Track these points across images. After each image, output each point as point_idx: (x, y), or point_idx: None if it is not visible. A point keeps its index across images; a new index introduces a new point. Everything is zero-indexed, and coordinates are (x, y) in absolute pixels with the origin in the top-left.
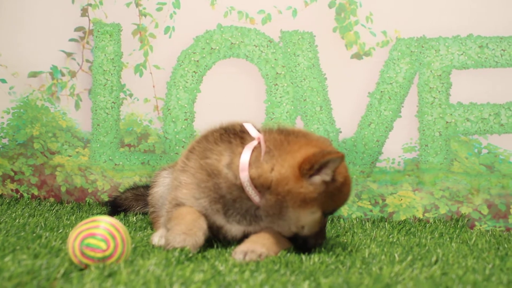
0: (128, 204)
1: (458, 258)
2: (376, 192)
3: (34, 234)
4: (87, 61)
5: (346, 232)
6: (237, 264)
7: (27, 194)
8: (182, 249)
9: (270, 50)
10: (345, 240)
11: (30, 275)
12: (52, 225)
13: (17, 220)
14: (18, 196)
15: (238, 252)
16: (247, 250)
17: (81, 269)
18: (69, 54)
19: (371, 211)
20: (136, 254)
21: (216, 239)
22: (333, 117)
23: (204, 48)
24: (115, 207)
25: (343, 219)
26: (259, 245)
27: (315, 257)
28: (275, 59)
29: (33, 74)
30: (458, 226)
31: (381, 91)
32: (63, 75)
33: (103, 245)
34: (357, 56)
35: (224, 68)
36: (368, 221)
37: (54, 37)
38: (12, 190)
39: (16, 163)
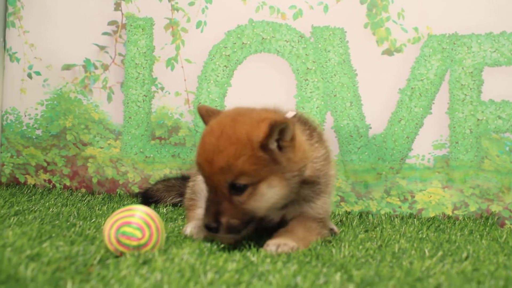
0: (160, 195)
1: (489, 255)
2: (405, 188)
3: (68, 223)
4: (120, 54)
5: (375, 227)
6: (269, 255)
7: (59, 184)
8: (214, 240)
9: (301, 45)
10: (374, 235)
11: (68, 260)
12: (85, 214)
13: (50, 209)
14: (51, 186)
15: (271, 245)
16: (279, 243)
17: (117, 257)
18: (102, 48)
19: (400, 207)
20: (169, 244)
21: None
22: (363, 113)
23: (235, 43)
24: (146, 199)
25: (372, 215)
26: (290, 239)
27: (345, 251)
28: (306, 54)
29: (67, 67)
30: (488, 224)
31: (412, 88)
32: (96, 68)
33: (138, 234)
34: (388, 52)
35: (255, 63)
36: (397, 217)
37: (87, 31)
38: (45, 180)
39: (49, 154)
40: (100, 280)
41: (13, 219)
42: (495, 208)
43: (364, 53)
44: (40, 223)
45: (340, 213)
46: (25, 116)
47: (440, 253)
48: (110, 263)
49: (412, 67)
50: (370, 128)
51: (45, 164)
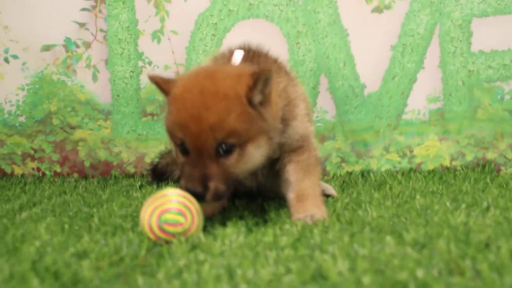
0: (170, 169)
1: (506, 202)
2: (404, 144)
3: (83, 213)
4: (101, 30)
5: (380, 185)
6: (311, 226)
7: (49, 171)
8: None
9: (290, 8)
10: (387, 193)
11: (117, 254)
12: (92, 201)
13: (53, 199)
14: (40, 175)
15: (303, 217)
16: (310, 214)
17: (161, 245)
18: (82, 25)
19: (399, 163)
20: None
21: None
22: (357, 73)
23: (221, 10)
24: (158, 176)
25: (373, 173)
26: (311, 205)
27: (372, 213)
28: (296, 18)
29: (46, 48)
30: (485, 171)
31: (403, 44)
32: (77, 46)
33: (181, 219)
34: (378, 9)
35: (243, 29)
36: (398, 172)
37: (64, 8)
38: (33, 169)
39: (35, 141)
40: (166, 271)
41: (23, 214)
42: (490, 155)
43: (353, 12)
44: (54, 216)
45: (342, 174)
46: (6, 103)
47: (463, 205)
48: (161, 252)
49: (402, 23)
50: (365, 87)
51: (32, 152)
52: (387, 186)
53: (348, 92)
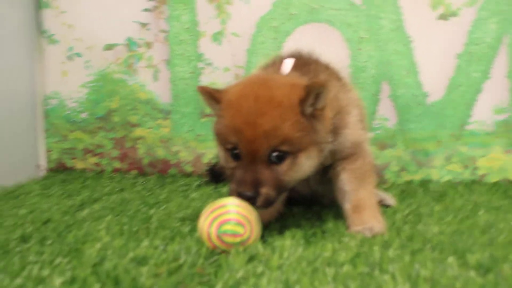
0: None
1: None
2: (467, 155)
3: (142, 213)
4: (163, 31)
5: (441, 196)
6: (371, 240)
7: (109, 167)
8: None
9: (352, 13)
10: (448, 206)
11: (176, 261)
12: (150, 200)
13: (113, 196)
14: (100, 170)
15: (361, 229)
16: (368, 227)
17: (218, 253)
18: (143, 25)
19: (461, 174)
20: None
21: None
22: (420, 81)
23: (283, 14)
24: (216, 177)
25: (433, 183)
26: (369, 217)
27: (433, 228)
28: (358, 23)
29: (109, 47)
30: None
31: (470, 52)
32: (139, 46)
33: (240, 230)
34: (443, 17)
35: (304, 33)
36: (460, 184)
37: (127, 8)
38: (93, 164)
39: (96, 137)
40: (224, 282)
41: (84, 211)
42: None
43: (418, 18)
44: (114, 214)
45: (401, 182)
46: (69, 99)
47: None
48: (219, 262)
49: (469, 31)
50: (428, 95)
51: (93, 148)
52: (448, 198)
53: (410, 100)
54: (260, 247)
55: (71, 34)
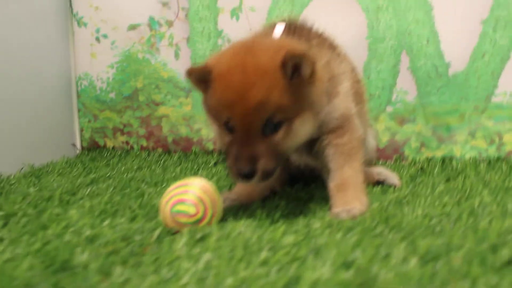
0: None
1: None
2: (492, 129)
3: (138, 191)
4: (183, 9)
5: (458, 175)
6: (333, 222)
7: (137, 145)
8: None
9: None
10: (455, 185)
11: (125, 241)
12: (157, 178)
13: (125, 175)
14: (129, 148)
15: (340, 211)
16: (347, 208)
17: (173, 233)
18: (164, 4)
19: (486, 150)
20: (230, 214)
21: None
22: (441, 50)
23: None
24: None
25: (456, 160)
26: (352, 197)
27: (419, 209)
28: None
29: (132, 27)
30: None
31: (496, 18)
32: (160, 25)
33: (192, 210)
34: None
35: (321, 5)
36: (483, 161)
37: None
38: (122, 142)
39: (124, 116)
40: (151, 263)
41: (88, 189)
42: None
43: None
44: (111, 193)
45: (420, 159)
46: (98, 80)
47: None
48: (165, 242)
49: None
50: (450, 66)
51: (121, 126)
52: (461, 177)
53: (431, 71)
54: (208, 229)
55: (97, 15)
